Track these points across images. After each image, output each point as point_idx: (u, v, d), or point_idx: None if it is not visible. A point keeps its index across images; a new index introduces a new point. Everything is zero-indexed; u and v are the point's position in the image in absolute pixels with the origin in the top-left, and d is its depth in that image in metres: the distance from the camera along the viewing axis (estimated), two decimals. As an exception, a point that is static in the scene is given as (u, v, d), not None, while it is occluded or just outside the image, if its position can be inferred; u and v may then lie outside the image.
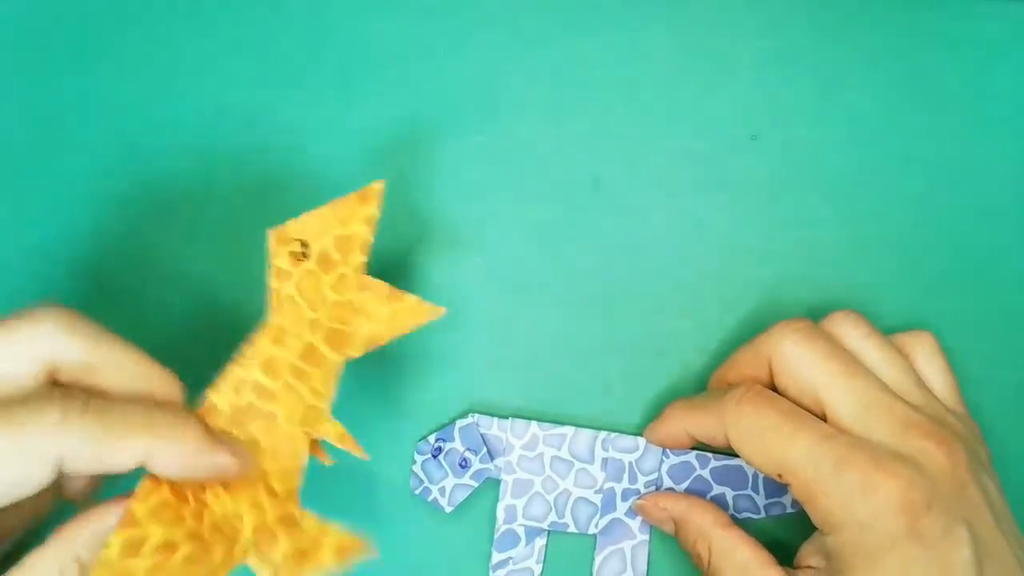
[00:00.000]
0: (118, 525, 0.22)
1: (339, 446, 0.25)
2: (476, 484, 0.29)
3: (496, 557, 0.29)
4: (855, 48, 0.33)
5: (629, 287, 0.31)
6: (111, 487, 0.25)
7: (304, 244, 0.26)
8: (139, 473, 0.23)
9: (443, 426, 0.30)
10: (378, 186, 0.26)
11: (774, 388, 0.26)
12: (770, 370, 0.26)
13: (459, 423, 0.30)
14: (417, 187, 0.32)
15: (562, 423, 0.30)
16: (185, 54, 0.34)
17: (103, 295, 0.32)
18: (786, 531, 0.29)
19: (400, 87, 0.33)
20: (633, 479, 0.29)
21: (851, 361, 0.25)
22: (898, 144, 0.33)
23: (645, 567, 0.29)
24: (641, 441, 0.30)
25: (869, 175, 0.32)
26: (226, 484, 0.24)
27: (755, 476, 0.29)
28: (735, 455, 0.27)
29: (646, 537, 0.29)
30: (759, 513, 0.29)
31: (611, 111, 0.33)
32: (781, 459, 0.24)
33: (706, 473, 0.29)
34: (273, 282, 0.26)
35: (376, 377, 0.31)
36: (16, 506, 0.21)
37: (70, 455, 0.21)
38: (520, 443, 0.30)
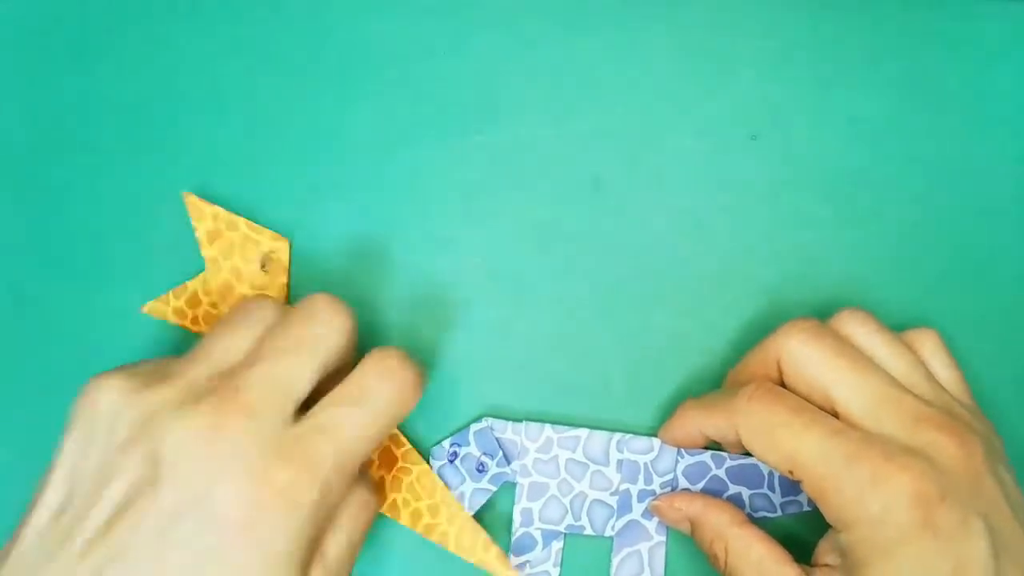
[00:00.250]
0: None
1: None
2: (494, 488, 0.29)
3: (513, 561, 0.29)
4: (855, 48, 0.33)
5: (629, 287, 0.31)
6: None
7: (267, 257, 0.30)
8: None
9: (457, 431, 0.30)
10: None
11: (785, 388, 0.26)
12: (780, 370, 0.26)
13: (473, 427, 0.30)
14: (417, 187, 0.32)
15: (571, 424, 0.30)
16: (185, 54, 0.34)
17: (103, 295, 0.32)
18: (804, 528, 0.29)
19: (400, 87, 0.33)
20: (649, 480, 0.29)
21: (859, 357, 0.25)
22: (898, 144, 0.33)
23: (662, 568, 0.29)
24: (656, 442, 0.29)
25: (869, 175, 0.32)
26: None
27: (771, 475, 0.29)
28: (750, 454, 0.27)
29: (663, 538, 0.29)
30: (776, 512, 0.29)
31: (611, 111, 0.33)
32: (792, 455, 0.24)
33: (722, 473, 0.29)
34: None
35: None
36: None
37: None
38: (534, 446, 0.30)
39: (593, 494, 0.29)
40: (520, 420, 0.30)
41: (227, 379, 0.23)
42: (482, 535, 0.28)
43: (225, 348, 0.24)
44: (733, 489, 0.29)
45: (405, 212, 0.32)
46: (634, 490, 0.29)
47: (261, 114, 0.33)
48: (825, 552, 0.25)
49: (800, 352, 0.26)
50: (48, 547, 0.22)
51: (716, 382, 0.31)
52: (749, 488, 0.29)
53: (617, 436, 0.30)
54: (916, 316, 0.31)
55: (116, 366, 0.24)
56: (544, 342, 0.31)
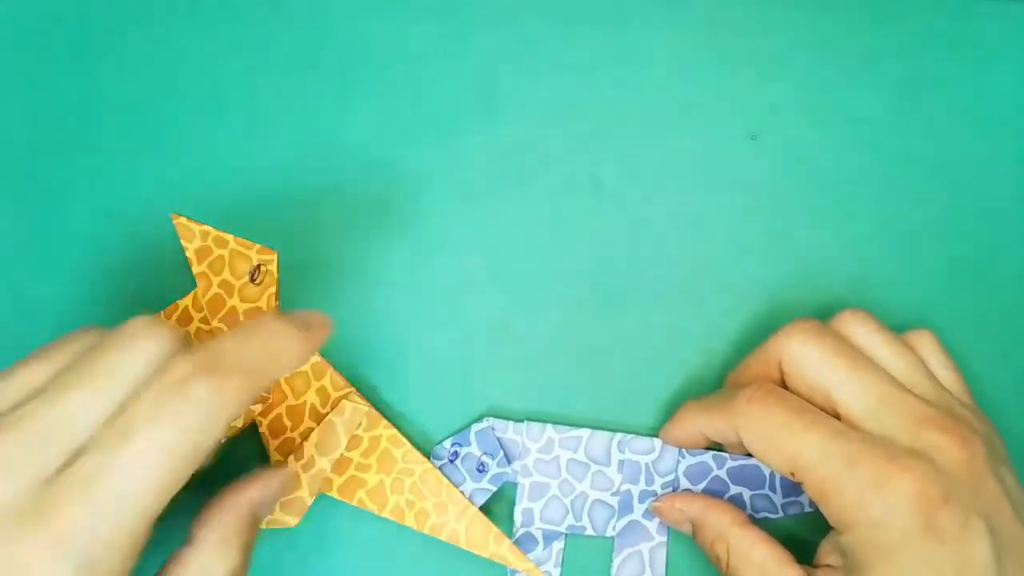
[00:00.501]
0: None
1: None
2: (495, 488, 0.29)
3: None
4: (855, 48, 0.33)
5: (629, 287, 0.31)
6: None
7: (256, 268, 0.30)
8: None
9: (458, 431, 0.30)
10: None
11: (786, 389, 0.26)
12: (781, 372, 0.26)
13: (474, 427, 0.30)
14: (417, 187, 0.32)
15: (571, 424, 0.30)
16: (185, 54, 0.34)
17: (103, 295, 0.32)
18: (805, 529, 0.29)
19: (400, 87, 0.33)
20: (650, 481, 0.29)
21: (860, 357, 0.25)
22: (898, 144, 0.33)
23: (663, 569, 0.29)
24: (657, 442, 0.29)
25: (869, 175, 0.32)
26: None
27: (772, 475, 0.29)
28: (751, 455, 0.27)
29: (664, 539, 0.29)
30: (777, 512, 0.29)
31: (611, 111, 0.33)
32: (793, 457, 0.24)
33: (723, 473, 0.29)
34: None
35: (382, 378, 0.31)
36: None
37: None
38: (536, 446, 0.30)
39: (594, 494, 0.29)
40: (521, 420, 0.30)
41: None
42: (493, 529, 0.28)
43: (20, 384, 0.21)
44: (734, 490, 0.29)
45: (405, 212, 0.32)
46: (635, 490, 0.29)
47: (261, 114, 0.33)
48: (827, 553, 0.25)
49: (801, 353, 0.26)
50: None
51: (716, 382, 0.31)
52: (750, 489, 0.29)
53: (618, 436, 0.30)
54: (916, 316, 0.31)
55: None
56: (544, 342, 0.31)
